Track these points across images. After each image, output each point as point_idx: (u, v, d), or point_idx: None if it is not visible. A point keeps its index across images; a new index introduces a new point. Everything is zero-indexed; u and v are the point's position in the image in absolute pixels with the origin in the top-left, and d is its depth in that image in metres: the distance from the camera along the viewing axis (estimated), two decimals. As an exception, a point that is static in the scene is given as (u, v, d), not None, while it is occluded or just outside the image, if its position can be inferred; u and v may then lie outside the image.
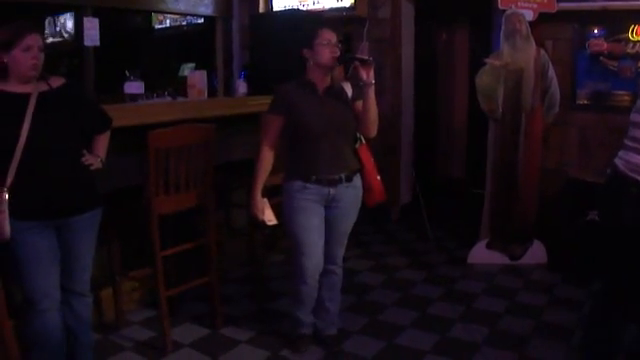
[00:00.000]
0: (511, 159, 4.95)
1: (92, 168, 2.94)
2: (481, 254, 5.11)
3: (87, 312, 3.08)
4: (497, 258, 5.07)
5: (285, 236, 3.48)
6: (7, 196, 2.63)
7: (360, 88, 3.19)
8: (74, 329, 3.02)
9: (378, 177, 3.48)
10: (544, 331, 3.85)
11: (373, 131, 3.29)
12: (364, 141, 3.41)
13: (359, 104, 3.26)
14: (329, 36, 3.18)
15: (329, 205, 3.29)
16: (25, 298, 2.82)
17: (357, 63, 3.12)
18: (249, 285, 4.64)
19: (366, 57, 3.16)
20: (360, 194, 3.39)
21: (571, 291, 4.45)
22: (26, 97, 2.70)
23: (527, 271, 4.90)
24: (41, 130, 2.68)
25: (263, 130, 3.38)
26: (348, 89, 3.33)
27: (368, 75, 3.12)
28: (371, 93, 3.16)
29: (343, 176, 3.24)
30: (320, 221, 3.30)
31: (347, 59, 3.22)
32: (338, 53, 3.18)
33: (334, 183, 3.23)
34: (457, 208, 6.89)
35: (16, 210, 2.64)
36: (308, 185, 3.20)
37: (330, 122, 3.18)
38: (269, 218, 3.31)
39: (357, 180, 3.35)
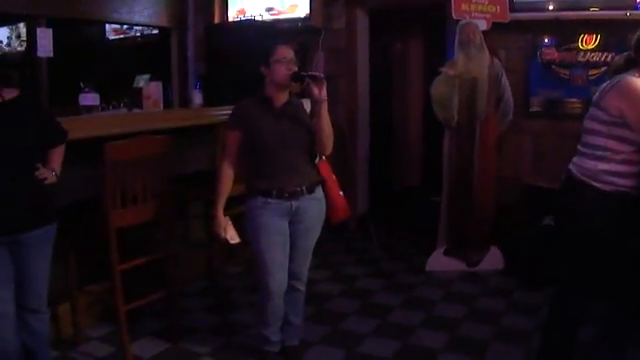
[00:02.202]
0: (466, 167, 5.01)
1: (46, 182, 2.87)
2: (439, 261, 5.15)
3: (44, 329, 3.01)
4: (455, 265, 5.12)
5: (244, 247, 3.44)
6: None
7: (313, 105, 3.18)
8: (31, 347, 2.94)
9: (341, 193, 3.46)
10: (503, 336, 3.90)
11: (328, 148, 3.24)
12: (324, 158, 3.38)
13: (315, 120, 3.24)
14: (285, 53, 3.16)
15: (293, 220, 3.26)
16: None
17: (309, 80, 3.08)
18: (209, 297, 4.60)
19: (318, 74, 3.13)
20: (324, 207, 3.36)
21: (527, 295, 4.52)
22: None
23: (484, 277, 4.96)
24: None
25: (223, 146, 3.34)
26: (307, 105, 3.32)
27: (320, 92, 3.07)
28: (323, 110, 3.12)
29: (304, 188, 3.21)
30: (284, 239, 3.26)
31: (300, 77, 3.15)
32: (294, 70, 3.14)
33: (295, 195, 3.19)
34: (414, 216, 6.93)
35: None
36: (270, 200, 3.17)
37: (285, 138, 3.17)
38: (231, 236, 3.27)
39: (319, 192, 3.32)
